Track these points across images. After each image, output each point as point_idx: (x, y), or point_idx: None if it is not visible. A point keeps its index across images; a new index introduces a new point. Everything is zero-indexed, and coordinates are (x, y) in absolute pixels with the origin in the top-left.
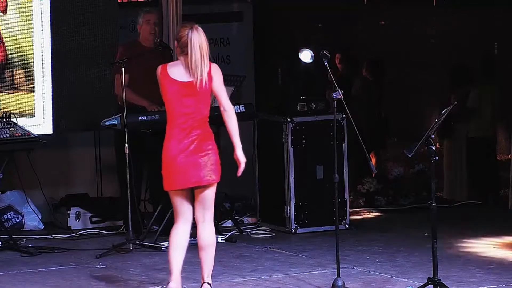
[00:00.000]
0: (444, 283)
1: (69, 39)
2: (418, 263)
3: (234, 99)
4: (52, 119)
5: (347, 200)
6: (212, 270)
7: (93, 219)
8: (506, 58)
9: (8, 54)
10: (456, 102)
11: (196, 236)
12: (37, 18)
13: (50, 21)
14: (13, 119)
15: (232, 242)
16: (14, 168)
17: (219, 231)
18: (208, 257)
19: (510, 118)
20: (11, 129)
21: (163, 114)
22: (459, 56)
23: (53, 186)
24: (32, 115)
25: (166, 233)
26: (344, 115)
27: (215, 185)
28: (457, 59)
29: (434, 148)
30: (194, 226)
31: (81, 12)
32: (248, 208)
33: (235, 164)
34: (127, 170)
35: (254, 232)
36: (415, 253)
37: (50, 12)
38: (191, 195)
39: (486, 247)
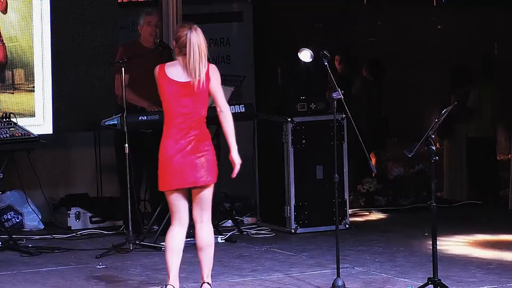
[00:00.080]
0: (444, 283)
1: (69, 39)
2: (418, 263)
3: (234, 99)
4: (52, 119)
5: (347, 200)
6: (212, 270)
7: (93, 219)
8: (506, 58)
9: (8, 54)
10: (456, 102)
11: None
12: (37, 18)
13: (50, 21)
14: (13, 119)
15: (232, 242)
16: (14, 168)
17: (219, 231)
18: (207, 257)
19: (510, 118)
20: (11, 129)
21: (163, 114)
22: (459, 56)
23: (53, 186)
24: (32, 115)
25: (166, 233)
26: (344, 115)
27: (212, 185)
28: (457, 59)
29: (434, 148)
30: (193, 226)
31: (81, 12)
32: (248, 208)
33: None
34: (127, 170)
35: (254, 232)
36: (415, 253)
37: (50, 12)
38: (188, 195)
39: (487, 246)
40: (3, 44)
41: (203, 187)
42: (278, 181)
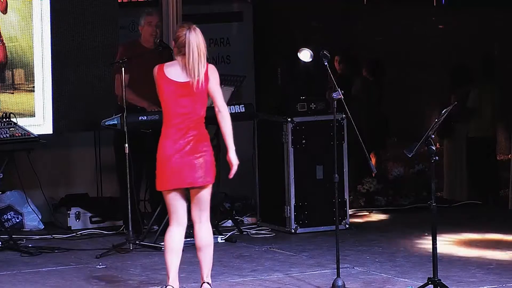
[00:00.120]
0: (444, 283)
1: (69, 39)
2: (418, 263)
3: (234, 99)
4: (52, 119)
5: (347, 200)
6: (212, 270)
7: (93, 219)
8: (506, 58)
9: (8, 54)
10: (456, 102)
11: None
12: (37, 18)
13: (50, 21)
14: (13, 119)
15: (232, 242)
16: (14, 168)
17: (219, 231)
18: (206, 257)
19: (510, 118)
20: (11, 129)
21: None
22: (459, 56)
23: (53, 186)
24: (32, 115)
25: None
26: (344, 115)
27: (211, 186)
28: (457, 59)
29: (434, 148)
30: (192, 226)
31: (81, 12)
32: (248, 208)
33: None
34: (127, 170)
35: (254, 232)
36: (415, 253)
37: (50, 12)
38: (186, 195)
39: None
40: (3, 44)
41: (201, 187)
42: (278, 181)
